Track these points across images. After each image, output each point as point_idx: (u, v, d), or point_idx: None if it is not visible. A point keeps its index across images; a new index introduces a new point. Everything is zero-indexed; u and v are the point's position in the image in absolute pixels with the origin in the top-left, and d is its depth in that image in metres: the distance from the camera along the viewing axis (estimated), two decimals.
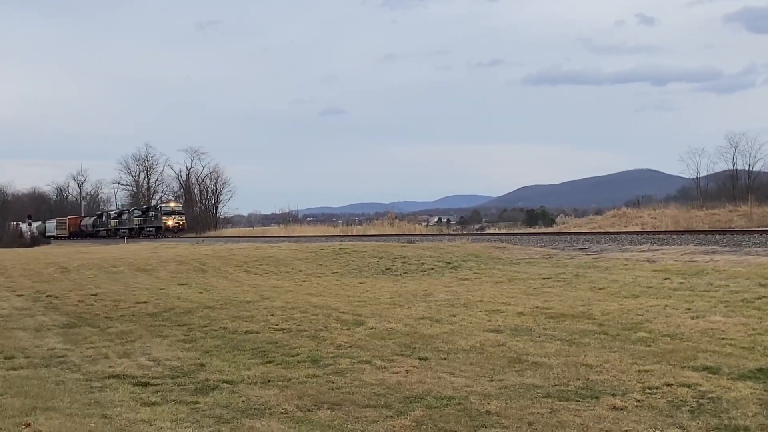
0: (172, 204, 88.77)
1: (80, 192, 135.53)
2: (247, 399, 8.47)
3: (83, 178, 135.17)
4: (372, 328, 12.92)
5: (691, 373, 8.84)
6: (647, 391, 8.16)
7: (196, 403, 8.38)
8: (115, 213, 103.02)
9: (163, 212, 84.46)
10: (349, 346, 11.45)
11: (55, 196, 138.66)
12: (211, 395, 8.72)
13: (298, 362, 10.43)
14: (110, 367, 10.60)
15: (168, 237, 75.58)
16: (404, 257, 26.30)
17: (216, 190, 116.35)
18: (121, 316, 15.95)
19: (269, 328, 13.54)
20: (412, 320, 13.65)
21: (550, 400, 7.94)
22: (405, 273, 23.27)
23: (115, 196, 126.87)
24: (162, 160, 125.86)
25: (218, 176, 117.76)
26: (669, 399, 7.82)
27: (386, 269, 24.39)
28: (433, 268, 23.72)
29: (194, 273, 25.81)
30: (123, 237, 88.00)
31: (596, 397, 7.97)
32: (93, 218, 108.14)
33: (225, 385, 9.21)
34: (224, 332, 13.30)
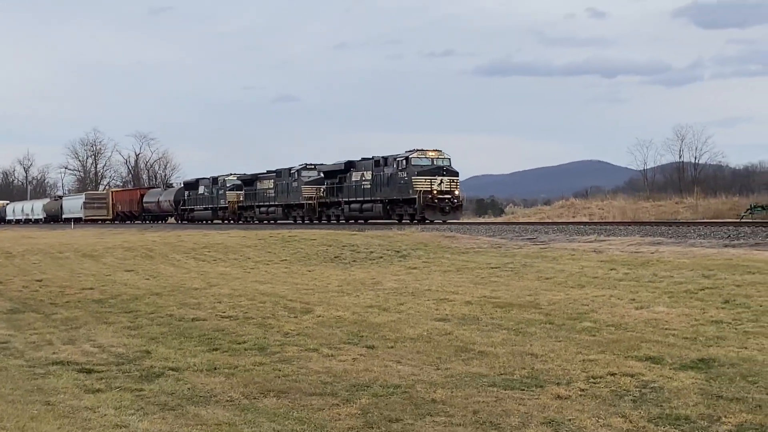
0: (430, 152, 40.58)
1: (26, 176, 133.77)
2: (193, 386, 8.43)
3: (30, 163, 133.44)
4: (319, 316, 12.90)
5: (635, 362, 8.96)
6: (591, 380, 8.26)
7: (141, 390, 8.33)
8: (236, 180, 57.49)
9: (413, 170, 39.68)
10: (297, 334, 11.44)
11: (0, 180, 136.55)
12: (157, 382, 8.68)
13: (245, 350, 10.41)
14: (54, 353, 10.49)
15: (428, 223, 37.69)
16: (353, 245, 26.26)
17: (165, 176, 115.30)
18: (67, 302, 15.75)
19: (216, 315, 13.47)
20: (360, 308, 13.65)
21: (495, 389, 8.01)
22: (354, 261, 23.24)
23: (62, 180, 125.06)
24: (110, 145, 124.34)
25: (167, 162, 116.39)
26: (612, 388, 7.92)
27: (335, 257, 24.35)
28: (381, 257, 23.72)
29: (141, 259, 25.54)
30: (265, 221, 52.16)
31: (541, 386, 8.05)
32: (175, 191, 67.11)
33: (170, 372, 9.16)
34: (171, 319, 13.21)
